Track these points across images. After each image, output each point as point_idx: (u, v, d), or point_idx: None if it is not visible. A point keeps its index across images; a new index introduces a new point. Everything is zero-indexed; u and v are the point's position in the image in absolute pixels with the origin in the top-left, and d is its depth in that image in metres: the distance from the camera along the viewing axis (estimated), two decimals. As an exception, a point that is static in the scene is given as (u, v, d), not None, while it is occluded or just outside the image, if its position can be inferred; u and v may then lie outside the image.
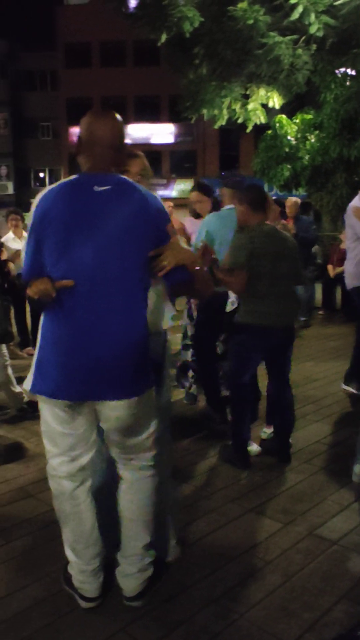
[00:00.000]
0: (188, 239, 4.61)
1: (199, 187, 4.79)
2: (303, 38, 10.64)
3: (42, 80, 33.00)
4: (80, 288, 2.02)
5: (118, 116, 2.19)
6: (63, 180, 2.14)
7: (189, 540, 2.76)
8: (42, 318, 2.16)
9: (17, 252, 6.21)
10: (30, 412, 4.55)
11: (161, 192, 27.02)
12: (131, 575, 2.29)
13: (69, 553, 2.30)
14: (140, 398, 2.13)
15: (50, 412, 2.19)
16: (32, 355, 7.08)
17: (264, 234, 3.46)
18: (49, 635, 2.14)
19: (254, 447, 3.78)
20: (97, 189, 2.05)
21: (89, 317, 2.04)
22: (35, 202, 2.10)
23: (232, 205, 4.20)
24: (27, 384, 2.20)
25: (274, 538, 2.80)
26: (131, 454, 2.25)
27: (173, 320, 2.46)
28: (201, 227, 4.27)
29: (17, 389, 4.49)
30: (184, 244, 2.36)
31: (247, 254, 3.38)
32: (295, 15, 9.66)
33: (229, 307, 4.00)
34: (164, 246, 2.11)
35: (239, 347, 3.62)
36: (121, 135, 2.18)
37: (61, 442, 2.20)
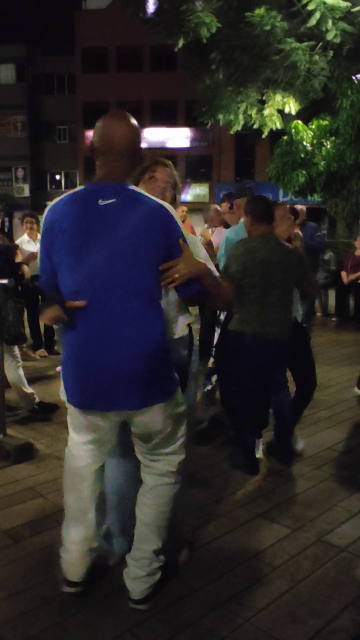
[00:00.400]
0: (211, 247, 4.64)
1: (228, 197, 4.78)
2: (320, 44, 10.66)
3: (60, 84, 33.29)
4: (90, 301, 2.04)
5: (132, 119, 2.15)
6: (71, 191, 2.14)
7: (198, 544, 2.76)
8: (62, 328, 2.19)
9: (31, 254, 6.29)
10: (41, 413, 4.59)
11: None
12: (139, 578, 2.29)
13: (63, 531, 2.38)
14: (166, 404, 2.15)
15: (71, 418, 2.28)
16: (44, 357, 7.14)
17: (261, 246, 3.45)
18: (55, 634, 2.15)
19: (259, 454, 3.75)
20: (101, 202, 2.04)
21: (98, 330, 2.05)
22: (45, 211, 2.13)
23: None
24: (62, 394, 2.24)
25: (282, 543, 2.79)
26: (158, 456, 2.26)
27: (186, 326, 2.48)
28: (222, 238, 4.33)
29: (29, 390, 4.52)
30: (197, 254, 2.34)
31: (239, 264, 3.41)
32: (313, 21, 9.68)
33: None
34: (176, 259, 2.10)
35: (234, 355, 3.63)
36: (135, 140, 2.14)
37: (84, 435, 2.27)
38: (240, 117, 12.38)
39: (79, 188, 2.15)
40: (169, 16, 11.11)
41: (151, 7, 11.85)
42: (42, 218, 2.16)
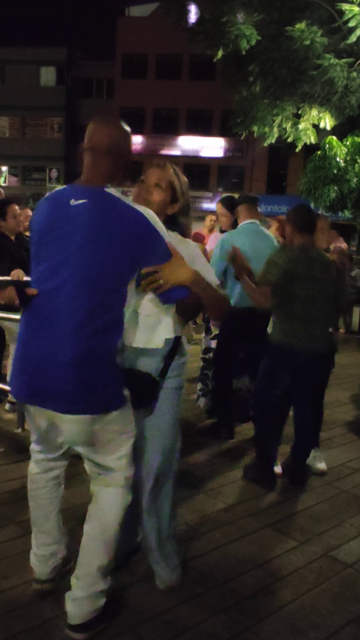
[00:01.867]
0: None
1: (222, 200, 4.83)
2: (359, 62, 10.63)
3: (98, 88, 33.70)
4: (41, 297, 2.01)
5: (124, 125, 2.11)
6: (53, 191, 2.16)
7: (204, 550, 2.79)
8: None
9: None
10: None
11: (206, 205, 27.16)
12: (79, 599, 2.13)
13: (32, 533, 2.42)
14: (96, 418, 2.01)
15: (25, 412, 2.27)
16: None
17: (302, 256, 3.43)
18: (59, 625, 2.19)
19: (277, 468, 3.73)
20: (73, 202, 2.01)
21: (45, 326, 1.99)
22: None
23: (251, 220, 4.25)
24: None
25: (289, 555, 2.80)
26: (99, 469, 2.18)
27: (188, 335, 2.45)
28: (217, 243, 4.34)
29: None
30: (193, 262, 2.23)
31: (280, 273, 3.37)
32: (353, 38, 9.69)
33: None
34: (161, 265, 2.05)
35: (266, 365, 3.60)
36: (121, 143, 2.08)
37: (33, 430, 2.28)
38: (275, 129, 12.41)
39: (59, 188, 2.15)
40: (210, 27, 11.22)
41: (193, 17, 11.98)
42: None
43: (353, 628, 2.29)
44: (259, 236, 4.22)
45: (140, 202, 2.15)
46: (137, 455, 2.26)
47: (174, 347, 2.28)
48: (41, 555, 2.37)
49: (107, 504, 2.18)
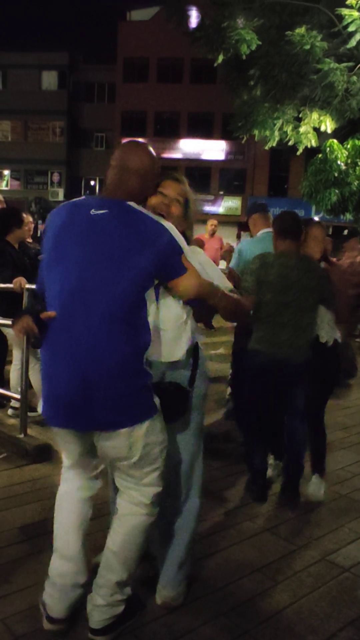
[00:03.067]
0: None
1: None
2: (359, 65, 10.68)
3: (100, 92, 33.85)
4: (61, 310, 1.99)
5: (152, 152, 2.19)
6: (72, 200, 2.17)
7: (204, 554, 2.83)
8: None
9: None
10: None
11: (208, 209, 27.27)
12: (99, 607, 2.17)
13: (51, 561, 2.28)
14: (133, 430, 2.02)
15: (56, 435, 2.24)
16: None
17: (277, 262, 3.33)
18: (62, 629, 2.21)
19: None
20: (93, 212, 2.03)
21: (70, 345, 1.97)
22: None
23: (268, 230, 4.24)
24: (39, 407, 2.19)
25: (287, 559, 2.84)
26: (131, 483, 2.17)
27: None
28: (235, 250, 4.42)
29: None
30: (207, 273, 2.29)
31: (254, 279, 3.31)
32: (353, 42, 9.74)
33: None
34: (178, 279, 2.08)
35: (248, 374, 3.53)
36: (149, 166, 2.15)
37: (67, 455, 2.28)
38: (276, 133, 12.45)
39: (78, 198, 2.18)
40: (210, 32, 11.27)
41: (193, 21, 12.04)
42: None
43: (350, 632, 2.33)
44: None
45: (159, 214, 2.19)
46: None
47: (196, 355, 2.32)
48: (62, 585, 2.21)
49: (132, 522, 2.17)
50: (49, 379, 2.06)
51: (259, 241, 4.30)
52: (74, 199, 2.18)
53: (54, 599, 2.20)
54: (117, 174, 2.12)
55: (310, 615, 2.42)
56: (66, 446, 2.21)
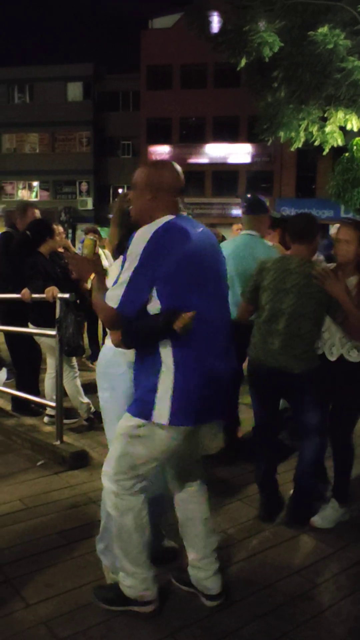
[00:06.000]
0: None
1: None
2: (383, 63, 10.57)
3: (125, 100, 34.16)
4: (210, 320, 2.22)
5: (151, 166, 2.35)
6: (165, 220, 2.18)
7: (241, 557, 2.84)
8: (171, 350, 2.16)
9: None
10: (96, 422, 4.76)
11: (235, 212, 27.18)
12: (216, 572, 2.47)
13: (127, 567, 2.34)
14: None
15: (164, 442, 2.23)
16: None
17: (275, 267, 3.15)
18: (102, 632, 2.27)
19: None
20: (198, 230, 2.26)
21: (216, 346, 2.26)
22: (143, 239, 2.12)
23: (250, 232, 4.12)
24: (162, 417, 2.15)
25: (325, 562, 2.83)
26: (198, 463, 2.53)
27: None
28: None
29: (85, 399, 4.70)
30: None
31: (252, 284, 3.25)
32: (376, 40, 9.63)
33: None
34: None
35: (249, 385, 3.35)
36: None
37: (146, 468, 2.29)
38: (302, 134, 12.39)
39: (169, 218, 2.19)
40: (232, 36, 11.31)
41: (215, 26, 12.09)
42: (138, 249, 2.12)
43: (391, 633, 2.31)
44: None
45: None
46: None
47: None
48: (153, 576, 2.38)
49: (205, 491, 2.51)
50: (209, 378, 2.22)
51: (230, 242, 4.23)
52: (167, 220, 2.19)
53: (151, 589, 2.40)
54: (177, 195, 2.34)
55: (350, 618, 2.41)
56: (178, 445, 2.29)
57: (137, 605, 2.37)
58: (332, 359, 3.13)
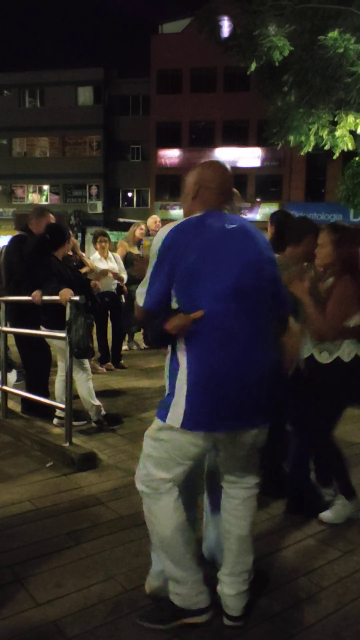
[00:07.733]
0: None
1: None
2: (393, 68, 10.54)
3: (135, 104, 34.28)
4: (227, 325, 2.11)
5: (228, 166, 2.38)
6: (194, 215, 2.23)
7: (248, 559, 2.84)
8: (185, 353, 2.16)
9: (102, 272, 6.69)
10: (106, 425, 4.79)
11: (245, 216, 27.20)
12: (241, 594, 2.36)
13: (174, 571, 2.30)
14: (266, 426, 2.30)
15: (184, 447, 2.21)
16: (111, 370, 7.30)
17: None
18: (109, 632, 2.29)
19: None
20: (228, 226, 2.20)
21: (236, 348, 2.12)
22: (165, 234, 2.18)
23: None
24: (175, 421, 2.16)
25: (332, 565, 2.83)
26: (246, 474, 2.40)
27: None
28: None
29: (96, 402, 4.73)
30: None
31: None
32: (386, 45, 9.62)
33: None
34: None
35: None
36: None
37: (175, 472, 2.26)
38: (312, 138, 12.38)
39: (199, 214, 2.23)
40: (242, 41, 11.33)
41: (225, 31, 12.12)
42: (157, 243, 2.19)
43: None
44: None
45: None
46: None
47: None
48: (201, 578, 2.34)
49: (252, 502, 2.43)
50: (222, 383, 2.14)
51: None
52: (197, 215, 2.25)
53: (203, 593, 2.36)
54: (225, 195, 2.35)
55: (357, 621, 2.41)
56: (194, 451, 2.23)
57: (191, 615, 2.33)
58: (303, 357, 3.17)
